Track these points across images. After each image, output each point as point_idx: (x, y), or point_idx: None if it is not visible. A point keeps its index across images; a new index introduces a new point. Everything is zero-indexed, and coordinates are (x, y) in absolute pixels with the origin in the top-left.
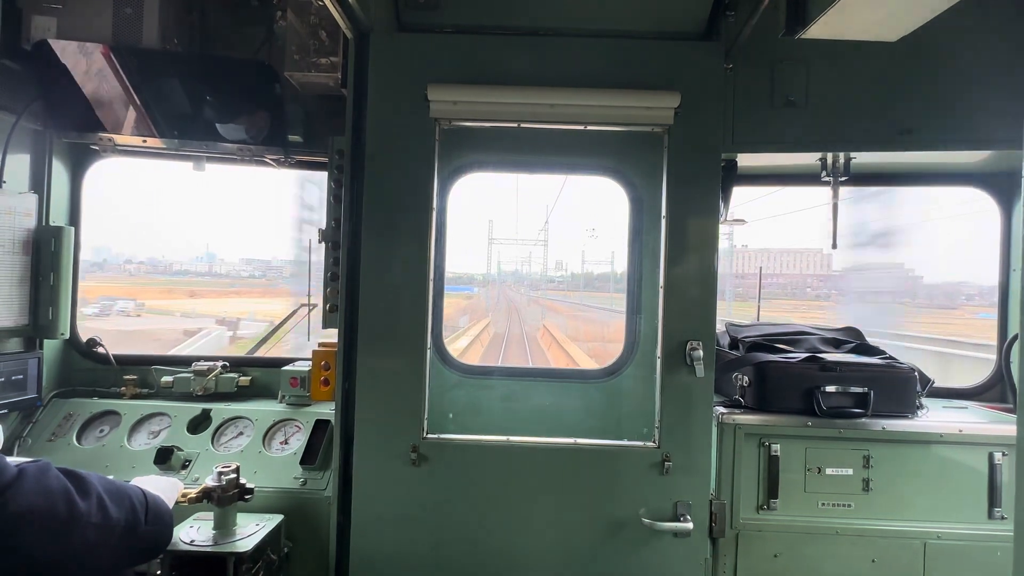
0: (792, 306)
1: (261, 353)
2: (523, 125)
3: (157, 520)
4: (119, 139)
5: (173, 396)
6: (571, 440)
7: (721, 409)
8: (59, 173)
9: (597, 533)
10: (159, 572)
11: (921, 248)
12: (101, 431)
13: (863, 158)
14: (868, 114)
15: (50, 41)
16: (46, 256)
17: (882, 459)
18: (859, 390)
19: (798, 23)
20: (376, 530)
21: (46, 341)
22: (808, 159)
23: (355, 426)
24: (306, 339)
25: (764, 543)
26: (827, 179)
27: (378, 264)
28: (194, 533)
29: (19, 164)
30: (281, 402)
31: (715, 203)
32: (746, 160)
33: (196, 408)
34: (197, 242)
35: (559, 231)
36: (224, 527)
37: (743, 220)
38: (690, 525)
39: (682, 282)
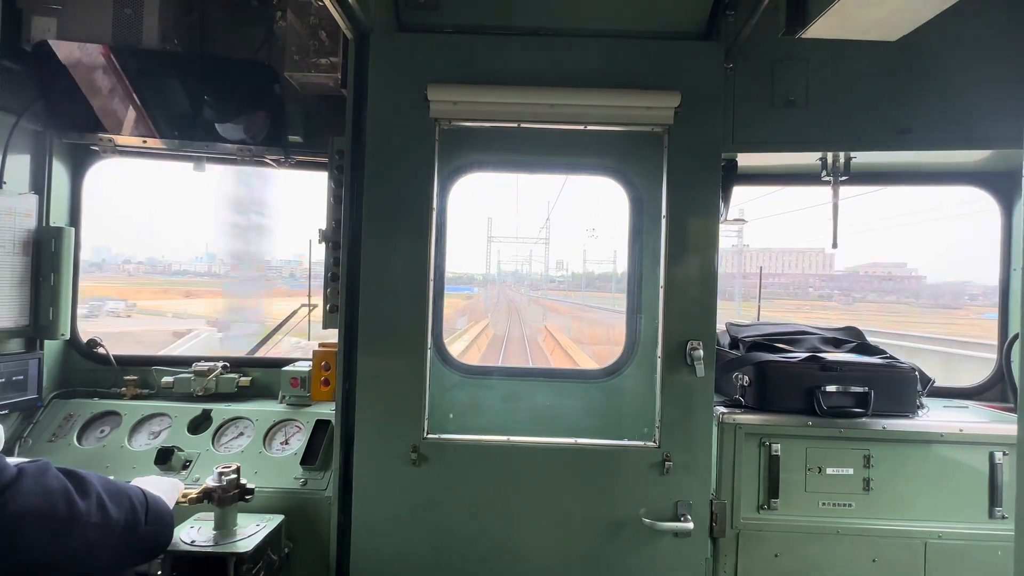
0: (795, 306)
1: (261, 354)
2: (523, 125)
3: (157, 520)
4: (119, 140)
5: (173, 396)
6: (571, 440)
7: (721, 409)
8: (59, 174)
9: (598, 533)
10: (160, 572)
11: (924, 248)
12: (102, 432)
13: (863, 157)
14: (868, 113)
15: (50, 42)
16: (46, 257)
17: (883, 459)
18: (859, 390)
19: (798, 23)
20: (377, 530)
21: (46, 342)
22: (808, 159)
23: (355, 426)
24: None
25: (765, 543)
26: (827, 179)
27: (378, 264)
28: (195, 533)
29: (19, 165)
30: (281, 402)
31: (715, 203)
32: (746, 160)
33: (196, 408)
34: (197, 242)
35: (560, 231)
36: (225, 527)
37: (743, 219)
38: (691, 525)
39: (682, 282)
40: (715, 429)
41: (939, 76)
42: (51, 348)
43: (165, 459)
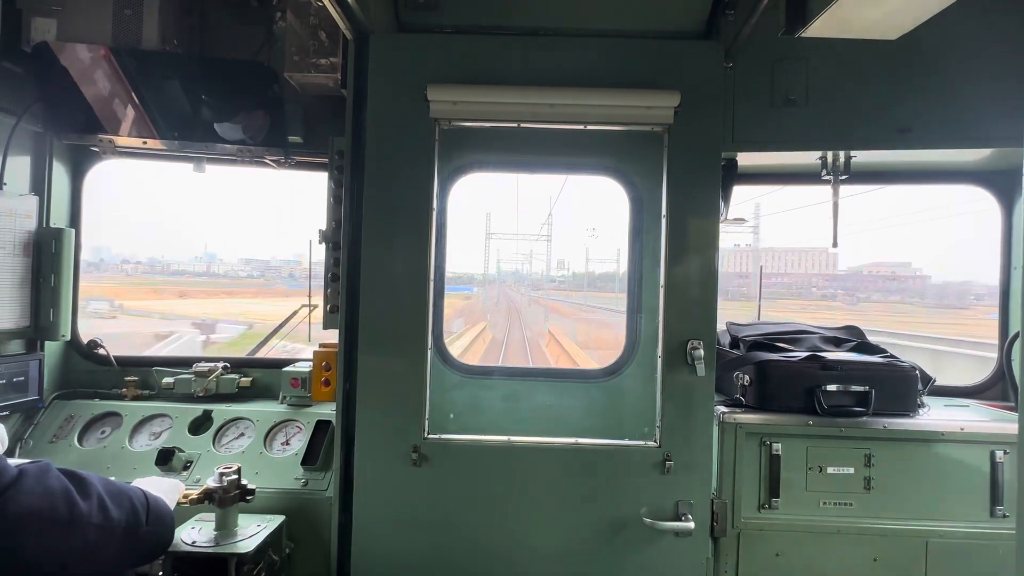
0: (800, 306)
1: (262, 354)
2: (523, 125)
3: (158, 521)
4: (119, 141)
5: (174, 397)
6: (572, 440)
7: (722, 408)
8: (59, 175)
9: (598, 533)
10: (160, 573)
11: (927, 247)
12: (102, 432)
13: (863, 156)
14: (868, 112)
15: (50, 43)
16: (47, 258)
17: (883, 458)
18: (860, 389)
19: (798, 21)
20: (377, 530)
21: (47, 343)
22: (808, 158)
23: (356, 426)
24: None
25: (765, 542)
26: (827, 178)
27: (378, 264)
28: (195, 534)
29: (20, 166)
30: (282, 403)
31: (715, 202)
32: (746, 159)
33: (197, 409)
34: (196, 242)
35: (560, 230)
36: (225, 528)
37: (743, 219)
38: (691, 524)
39: (683, 281)
40: (716, 429)
41: (939, 75)
42: (52, 349)
43: (166, 460)
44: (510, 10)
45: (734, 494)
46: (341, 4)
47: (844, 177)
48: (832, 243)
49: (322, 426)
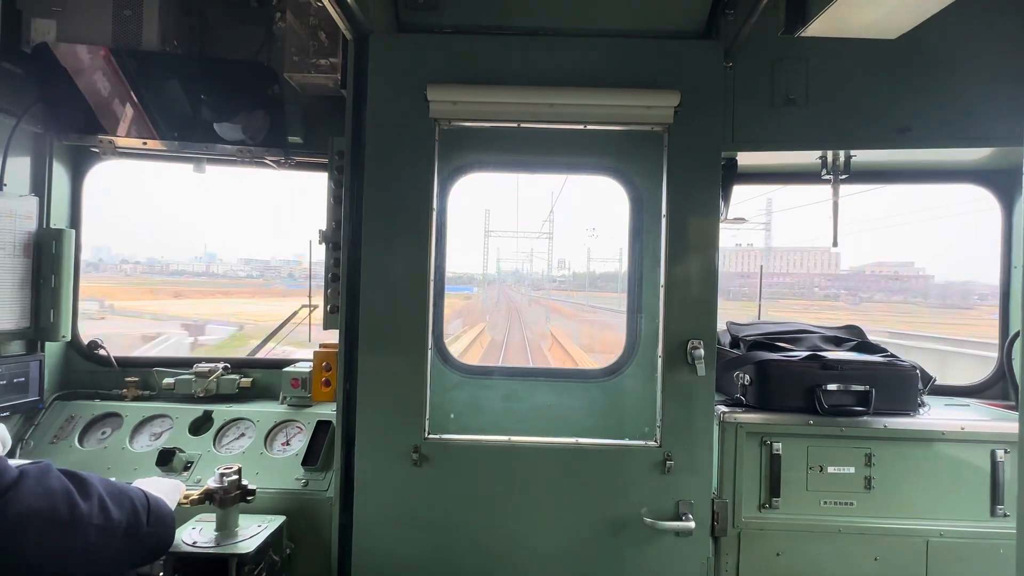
0: (803, 306)
1: (262, 355)
2: (523, 125)
3: (159, 522)
4: (119, 141)
5: (175, 398)
6: (572, 440)
7: (723, 408)
8: (60, 176)
9: (599, 533)
10: (161, 574)
11: (930, 246)
12: (103, 433)
13: (863, 156)
14: (868, 112)
15: (50, 44)
16: (47, 259)
17: (884, 457)
18: (861, 388)
19: (798, 21)
20: (378, 530)
21: (47, 343)
22: (808, 157)
23: (356, 427)
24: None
25: (766, 542)
26: (827, 177)
27: (378, 265)
28: (196, 535)
29: (20, 167)
30: (282, 403)
31: (715, 202)
32: (746, 159)
33: (198, 410)
34: (196, 242)
35: (560, 230)
36: (226, 528)
37: (743, 218)
38: (692, 524)
39: (683, 281)
40: (716, 428)
41: (939, 74)
42: (52, 350)
43: (166, 460)
44: (510, 10)
45: (735, 494)
46: (341, 4)
47: (844, 177)
48: (832, 243)
49: (322, 426)
